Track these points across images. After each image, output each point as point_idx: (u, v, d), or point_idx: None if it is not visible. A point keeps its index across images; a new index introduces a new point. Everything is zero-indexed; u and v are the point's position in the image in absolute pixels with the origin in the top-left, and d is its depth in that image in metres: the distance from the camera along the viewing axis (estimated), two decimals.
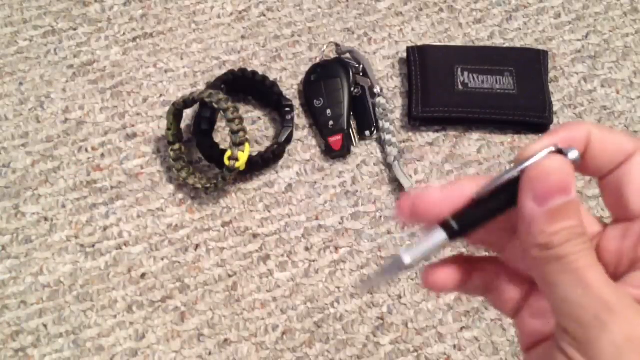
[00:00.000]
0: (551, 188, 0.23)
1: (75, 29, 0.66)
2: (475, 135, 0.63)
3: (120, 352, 0.54)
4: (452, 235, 0.25)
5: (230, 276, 0.56)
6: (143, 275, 0.56)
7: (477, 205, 0.25)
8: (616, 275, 0.25)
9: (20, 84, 0.64)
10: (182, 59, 0.65)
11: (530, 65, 0.64)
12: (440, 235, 0.25)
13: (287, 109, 0.61)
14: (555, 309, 0.23)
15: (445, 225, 0.25)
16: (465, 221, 0.25)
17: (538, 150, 0.24)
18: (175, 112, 0.58)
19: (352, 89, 0.63)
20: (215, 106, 0.56)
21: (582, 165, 0.25)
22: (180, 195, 0.59)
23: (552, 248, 0.23)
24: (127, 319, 0.55)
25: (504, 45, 0.67)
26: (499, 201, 0.25)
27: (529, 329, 0.27)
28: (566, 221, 0.23)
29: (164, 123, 0.61)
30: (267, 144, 0.62)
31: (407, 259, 0.25)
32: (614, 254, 0.25)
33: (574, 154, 0.24)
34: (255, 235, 0.58)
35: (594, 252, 0.24)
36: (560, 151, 0.24)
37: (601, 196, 0.27)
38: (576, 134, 0.25)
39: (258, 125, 0.63)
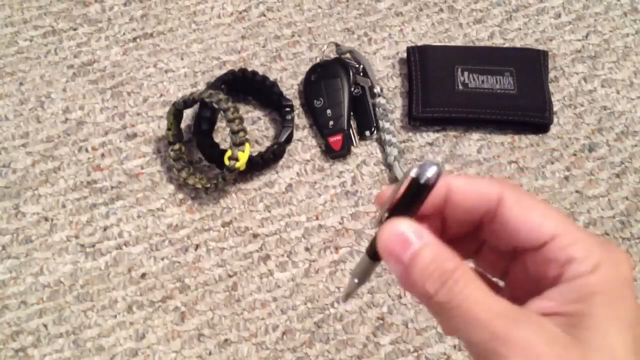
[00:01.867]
0: (391, 254, 0.24)
1: (75, 29, 0.66)
2: (475, 135, 0.63)
3: (120, 352, 0.54)
4: (374, 259, 0.28)
5: (230, 276, 0.56)
6: (143, 275, 0.56)
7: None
8: (536, 291, 0.24)
9: (21, 84, 0.64)
10: (182, 59, 0.65)
11: (530, 65, 0.64)
12: (365, 259, 0.28)
13: (287, 109, 0.61)
14: (467, 348, 0.23)
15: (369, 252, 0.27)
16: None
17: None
18: (175, 112, 0.58)
19: (352, 89, 0.63)
20: (215, 106, 0.56)
21: (458, 220, 0.26)
22: (180, 195, 0.59)
23: (431, 297, 0.23)
24: (127, 319, 0.55)
25: (504, 45, 0.67)
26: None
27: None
28: (424, 269, 0.23)
29: (164, 123, 0.61)
30: (267, 144, 0.62)
31: (355, 280, 0.28)
32: (524, 278, 0.25)
33: (431, 171, 0.24)
34: (255, 235, 0.58)
35: (474, 281, 0.23)
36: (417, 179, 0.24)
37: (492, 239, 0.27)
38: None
39: (258, 125, 0.63)
